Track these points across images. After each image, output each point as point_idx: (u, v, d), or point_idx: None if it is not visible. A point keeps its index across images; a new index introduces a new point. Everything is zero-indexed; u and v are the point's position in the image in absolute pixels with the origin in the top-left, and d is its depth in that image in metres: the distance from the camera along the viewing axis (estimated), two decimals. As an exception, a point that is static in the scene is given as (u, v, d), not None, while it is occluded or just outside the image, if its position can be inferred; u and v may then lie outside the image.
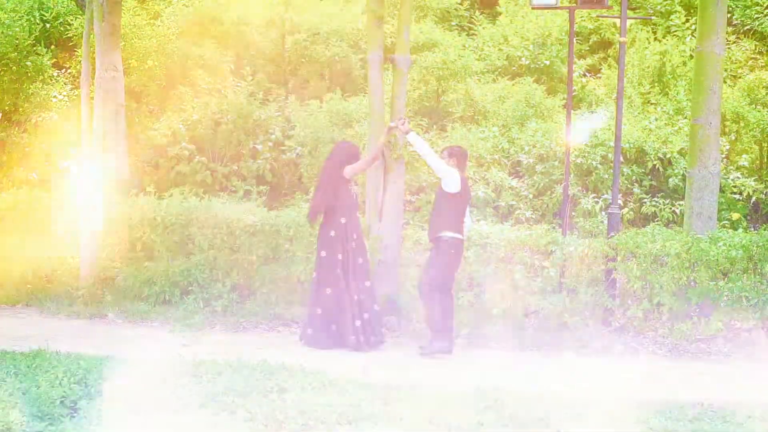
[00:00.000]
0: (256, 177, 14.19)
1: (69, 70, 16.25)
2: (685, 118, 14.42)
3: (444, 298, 10.27)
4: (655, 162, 13.83)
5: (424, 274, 10.19)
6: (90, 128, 12.53)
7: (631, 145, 13.81)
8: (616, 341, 10.79)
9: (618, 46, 12.06)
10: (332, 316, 10.16)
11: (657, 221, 13.25)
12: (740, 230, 12.58)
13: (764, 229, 11.25)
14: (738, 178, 13.89)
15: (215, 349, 9.60)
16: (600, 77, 16.88)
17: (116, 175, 13.74)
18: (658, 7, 17.94)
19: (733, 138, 14.32)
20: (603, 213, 13.22)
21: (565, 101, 15.21)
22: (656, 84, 15.91)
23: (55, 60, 15.99)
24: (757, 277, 10.83)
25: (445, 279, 10.26)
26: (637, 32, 16.95)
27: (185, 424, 6.81)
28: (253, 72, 16.15)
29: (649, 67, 16.11)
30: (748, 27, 17.71)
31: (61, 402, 7.23)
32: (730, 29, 17.33)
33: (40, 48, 15.44)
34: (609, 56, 17.55)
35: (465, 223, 10.34)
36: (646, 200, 13.69)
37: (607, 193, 13.50)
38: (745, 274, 10.90)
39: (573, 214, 13.42)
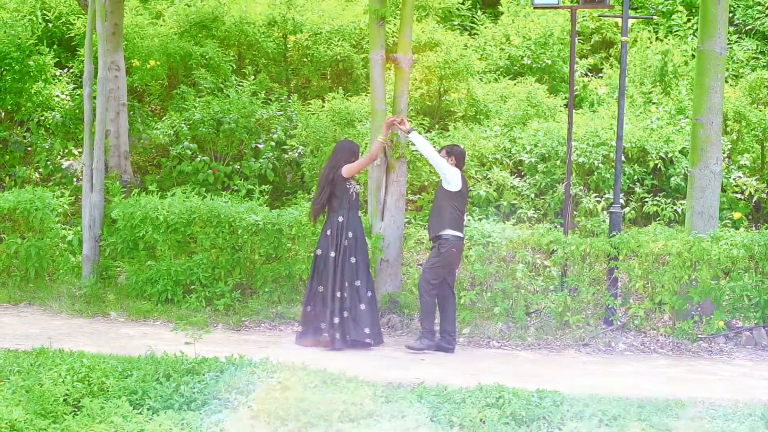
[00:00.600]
0: (258, 176, 14.21)
1: (71, 70, 16.27)
2: (687, 117, 14.42)
3: (446, 297, 10.29)
4: (656, 161, 13.84)
5: (425, 273, 10.21)
6: (92, 127, 12.55)
7: (633, 145, 13.81)
8: (617, 340, 10.81)
9: (620, 45, 12.06)
10: (322, 315, 10.20)
11: (658, 220, 13.27)
12: (742, 229, 12.60)
13: (766, 228, 11.27)
14: (740, 177, 13.90)
15: (218, 347, 9.62)
16: (602, 77, 16.89)
17: (118, 174, 13.81)
18: (660, 6, 17.95)
19: (735, 137, 14.32)
20: (604, 212, 13.23)
21: (566, 101, 15.23)
22: (658, 83, 15.92)
23: (57, 59, 16.01)
24: (759, 276, 10.85)
25: (446, 277, 10.28)
26: (638, 32, 16.96)
27: (188, 421, 6.83)
28: (255, 71, 16.18)
29: (650, 66, 16.12)
30: (749, 27, 17.72)
31: (65, 400, 7.25)
32: (731, 29, 17.34)
33: (42, 47, 15.46)
34: (611, 56, 17.56)
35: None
36: (647, 199, 13.70)
37: (608, 193, 13.51)
38: (746, 273, 10.92)
39: (575, 213, 13.43)
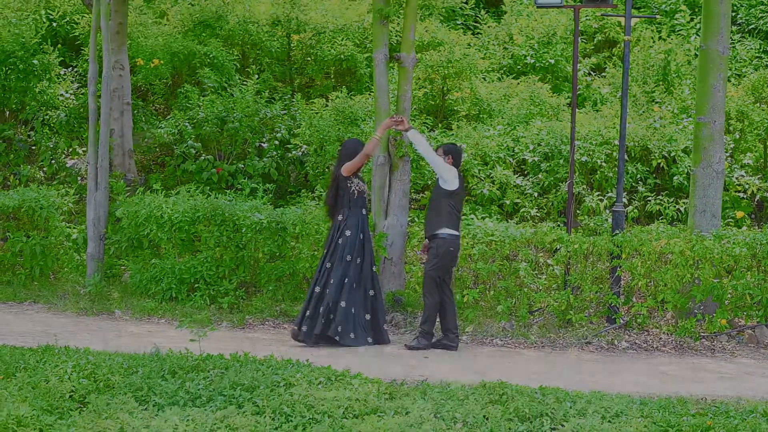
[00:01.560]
0: (262, 175, 14.25)
1: (76, 69, 16.32)
2: (690, 116, 14.45)
3: (445, 296, 10.30)
4: (659, 160, 13.87)
5: (429, 273, 10.22)
6: (97, 126, 12.59)
7: (636, 144, 13.84)
8: (620, 338, 10.83)
9: (623, 44, 12.09)
10: None
11: (661, 219, 13.30)
12: (744, 228, 12.63)
13: (768, 227, 11.30)
14: (742, 176, 13.93)
15: (222, 344, 9.66)
16: (605, 76, 16.92)
17: (123, 172, 13.85)
18: (663, 6, 17.98)
19: (738, 136, 14.35)
20: (607, 211, 13.26)
21: (569, 100, 15.26)
22: (661, 82, 15.94)
23: (61, 59, 16.06)
24: (761, 274, 10.87)
25: (444, 276, 10.28)
26: (641, 31, 16.99)
27: (193, 418, 6.86)
28: (259, 70, 16.22)
29: (653, 65, 16.14)
30: (752, 26, 17.74)
31: (71, 396, 7.28)
32: (734, 28, 17.36)
33: (46, 46, 15.51)
34: (614, 55, 17.58)
35: None
36: (650, 198, 13.73)
37: (611, 192, 13.54)
38: (749, 272, 10.94)
39: (577, 212, 13.47)
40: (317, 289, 10.20)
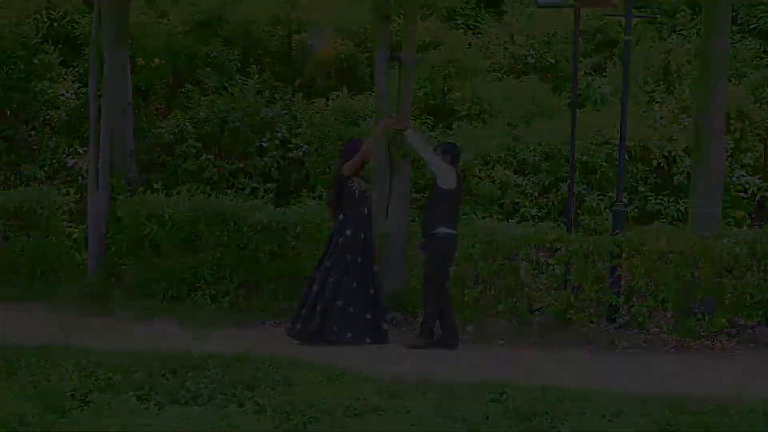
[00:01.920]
0: (263, 175, 14.26)
1: (76, 68, 16.32)
2: (690, 116, 14.46)
3: (443, 295, 10.30)
4: (659, 160, 13.89)
5: (430, 273, 10.22)
6: (97, 126, 12.59)
7: (636, 143, 13.86)
8: (620, 337, 10.84)
9: (623, 44, 12.12)
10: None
11: (662, 219, 13.32)
12: (744, 228, 12.64)
13: (768, 227, 11.31)
14: (743, 176, 13.94)
15: (223, 343, 9.66)
16: (605, 75, 16.93)
17: (124, 172, 13.85)
18: (664, 5, 17.99)
19: (738, 136, 14.36)
20: (608, 211, 13.27)
21: (570, 99, 15.27)
22: (661, 82, 15.96)
23: (62, 58, 16.06)
24: (761, 274, 10.87)
25: (442, 275, 10.28)
26: (642, 31, 17.01)
27: (194, 416, 6.88)
28: (260, 70, 16.23)
29: (654, 65, 16.16)
30: (753, 26, 17.76)
31: (72, 395, 7.30)
32: (734, 28, 17.37)
33: (47, 46, 15.51)
34: (614, 55, 17.60)
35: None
36: (650, 198, 13.75)
37: (612, 191, 13.55)
38: (749, 271, 10.94)
39: (578, 211, 13.48)
40: (315, 288, 10.20)
